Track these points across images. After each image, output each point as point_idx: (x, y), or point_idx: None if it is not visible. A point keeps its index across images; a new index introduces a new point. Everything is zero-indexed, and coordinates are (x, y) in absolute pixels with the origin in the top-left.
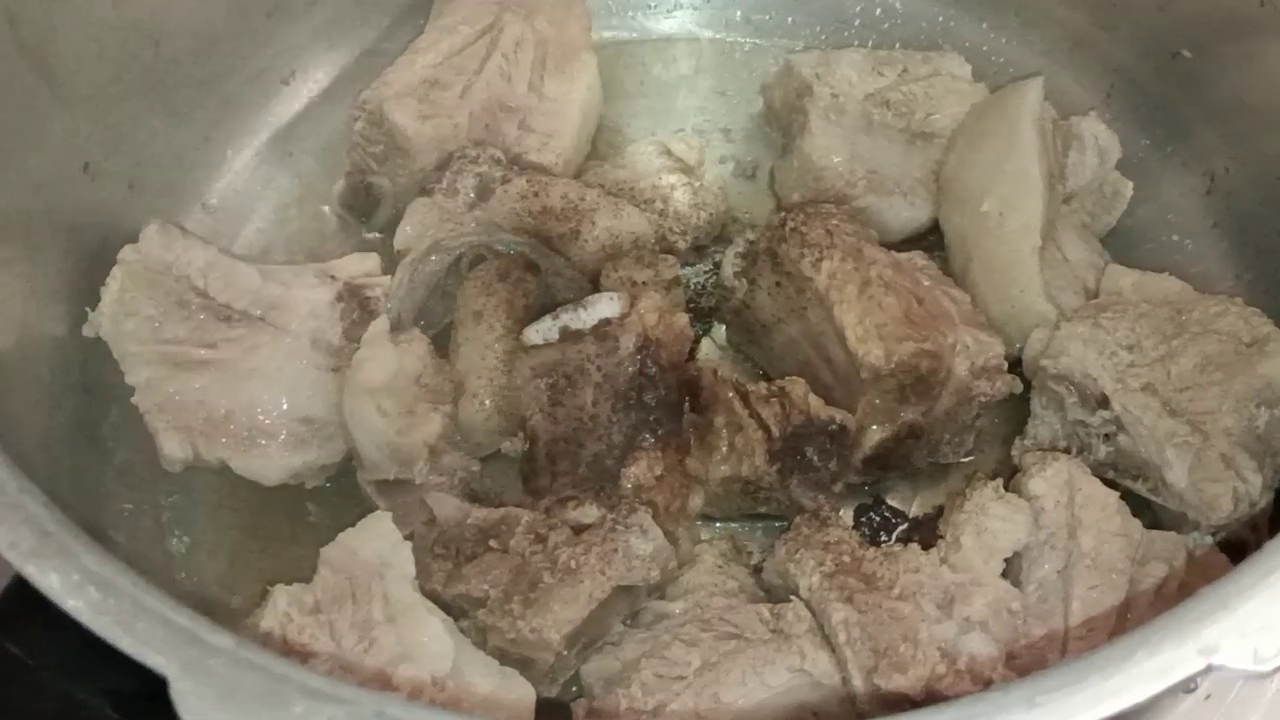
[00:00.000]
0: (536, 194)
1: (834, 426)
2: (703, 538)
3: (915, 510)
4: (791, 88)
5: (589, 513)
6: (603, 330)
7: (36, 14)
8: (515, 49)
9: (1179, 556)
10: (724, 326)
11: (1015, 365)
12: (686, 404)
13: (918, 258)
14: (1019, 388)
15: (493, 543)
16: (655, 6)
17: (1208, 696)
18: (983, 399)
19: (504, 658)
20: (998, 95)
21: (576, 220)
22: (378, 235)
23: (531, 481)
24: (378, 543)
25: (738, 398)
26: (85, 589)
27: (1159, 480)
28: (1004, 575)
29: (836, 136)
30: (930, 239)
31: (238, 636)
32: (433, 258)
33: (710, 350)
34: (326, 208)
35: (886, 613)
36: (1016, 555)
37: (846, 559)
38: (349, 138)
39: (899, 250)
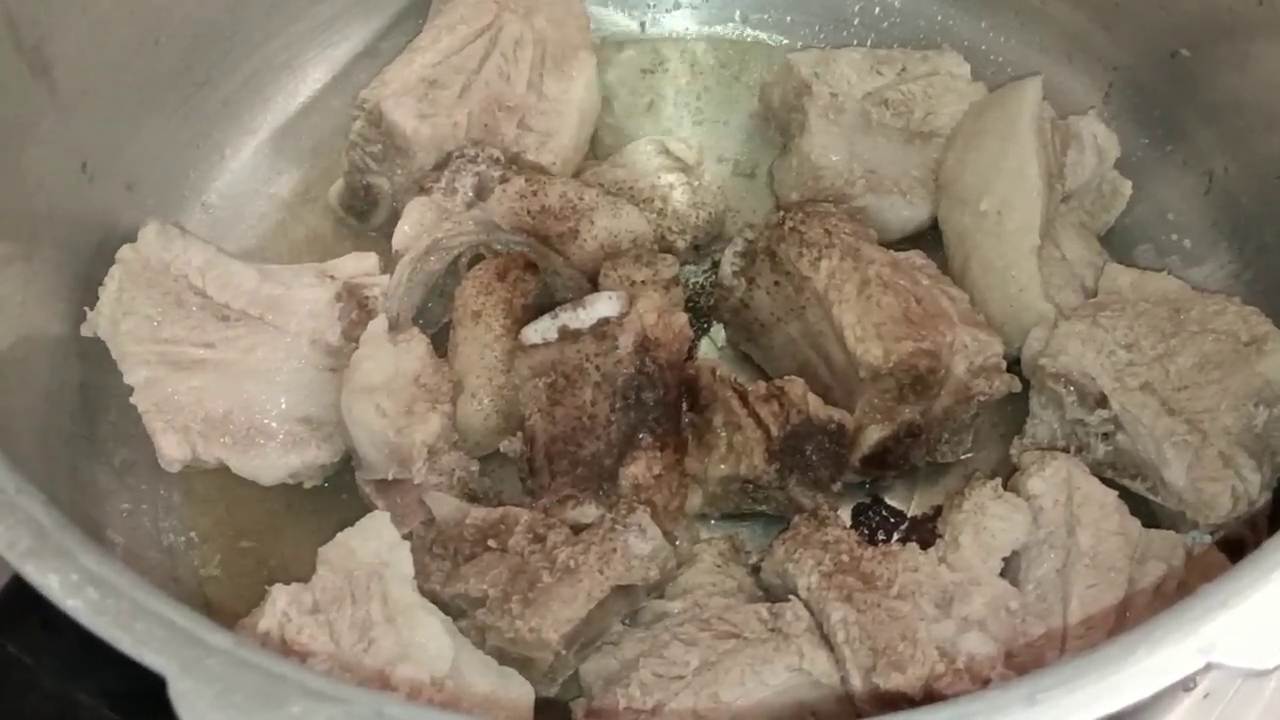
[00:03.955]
0: (535, 193)
1: (832, 426)
2: (701, 537)
3: (914, 509)
4: (790, 87)
5: (588, 512)
6: (601, 330)
7: (35, 13)
8: (514, 48)
9: (1177, 555)
10: (723, 326)
11: (1014, 364)
12: (685, 403)
13: (916, 257)
14: (1017, 387)
15: (491, 542)
16: (654, 5)
17: (1206, 695)
18: (981, 398)
19: (503, 657)
20: (996, 94)
21: (575, 219)
22: (376, 235)
23: (530, 481)
24: (376, 542)
25: (736, 397)
26: (84, 589)
27: (1157, 479)
28: (1003, 574)
29: (835, 135)
30: (929, 238)
31: (236, 636)
32: (431, 257)
33: (709, 349)
34: (325, 207)
35: (885, 612)
36: (1015, 554)
37: (845, 558)
38: (347, 137)
39: (897, 249)
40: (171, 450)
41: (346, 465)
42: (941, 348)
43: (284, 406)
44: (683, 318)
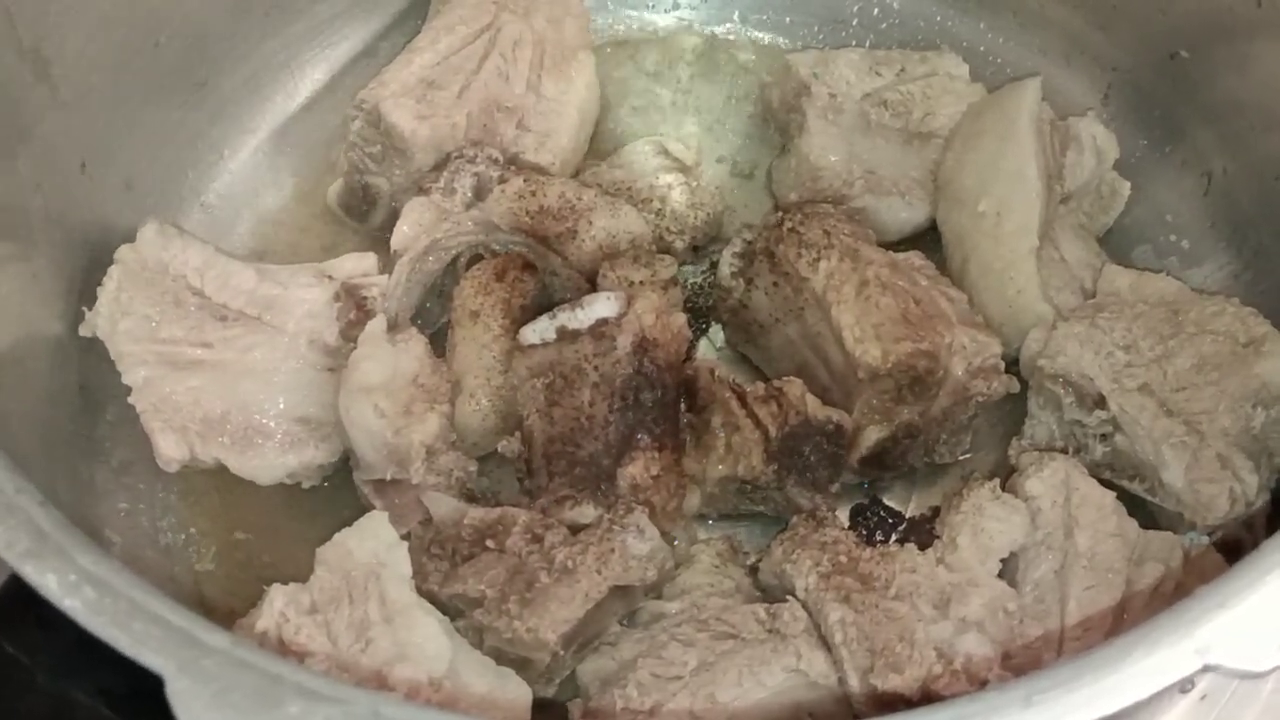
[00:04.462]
0: (534, 193)
1: (831, 426)
2: (699, 538)
3: (912, 510)
4: (789, 87)
5: (586, 513)
6: (600, 330)
7: (34, 12)
8: (513, 49)
9: (1175, 556)
10: (721, 326)
11: (1012, 365)
12: (683, 404)
13: (915, 258)
14: (1016, 388)
15: (489, 543)
16: (653, 5)
17: (1203, 696)
18: (980, 399)
19: (500, 658)
20: (995, 95)
21: (574, 220)
22: (375, 235)
23: (528, 481)
24: (374, 543)
25: (735, 398)
26: (81, 588)
27: (1155, 480)
28: (1000, 575)
29: (834, 136)
30: (928, 239)
31: (234, 636)
32: (430, 257)
33: (707, 350)
34: (324, 207)
35: (883, 613)
36: (1013, 555)
37: (843, 559)
38: (346, 137)
39: (896, 250)
40: (169, 450)
41: (345, 465)
42: (940, 349)
43: (282, 406)
44: (681, 318)
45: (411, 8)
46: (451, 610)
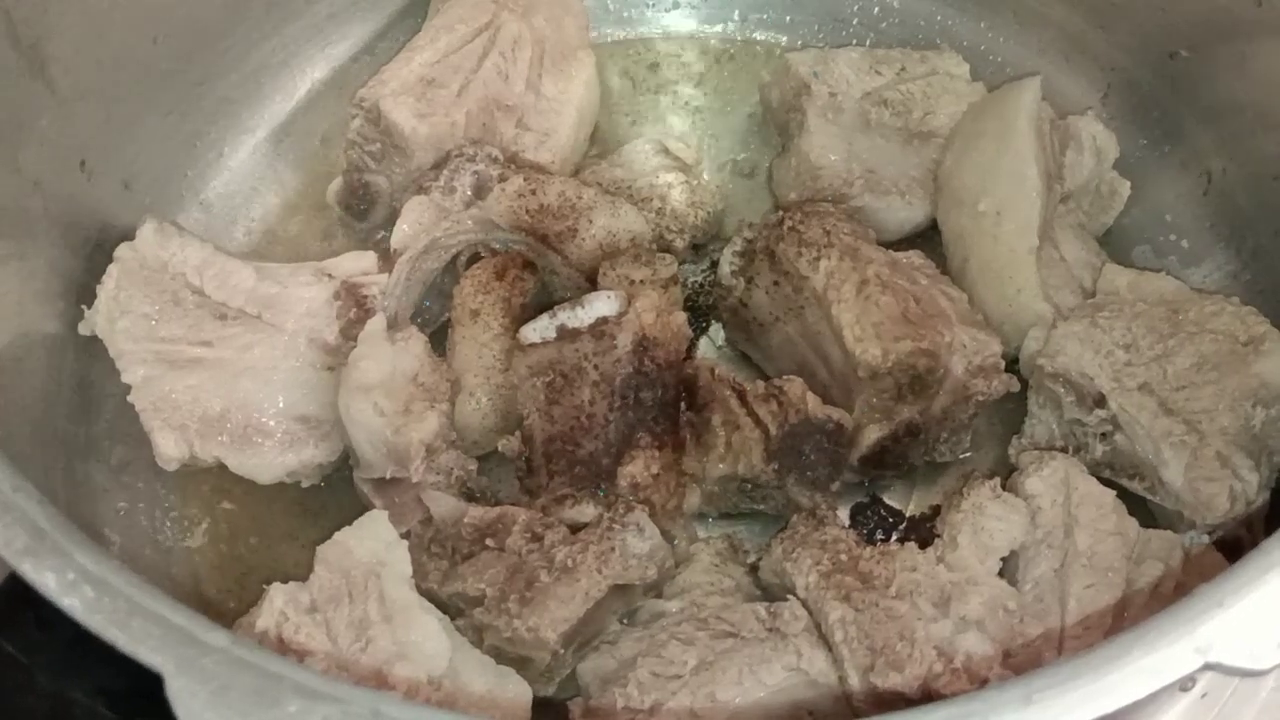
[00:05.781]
0: (534, 192)
1: (831, 425)
2: (699, 536)
3: (912, 509)
4: (789, 86)
5: (585, 511)
6: (600, 329)
7: (33, 10)
8: (513, 47)
9: (1175, 555)
10: (721, 325)
11: (1012, 364)
12: (684, 403)
13: (915, 257)
14: (1016, 387)
15: (489, 541)
16: (654, 4)
17: (1204, 695)
18: (980, 398)
19: (500, 656)
20: (995, 95)
21: (574, 218)
22: (375, 234)
23: (528, 480)
24: (374, 541)
25: (735, 396)
26: (80, 587)
27: (1155, 479)
28: (1000, 574)
29: (834, 135)
30: (928, 238)
31: (233, 635)
32: (429, 256)
33: (708, 349)
34: (323, 206)
35: (883, 611)
36: (1013, 554)
37: (843, 558)
38: (346, 136)
39: (897, 249)
40: (169, 449)
41: (344, 464)
42: (940, 347)
43: (281, 405)
44: (681, 317)
45: (411, 6)
46: (451, 609)
